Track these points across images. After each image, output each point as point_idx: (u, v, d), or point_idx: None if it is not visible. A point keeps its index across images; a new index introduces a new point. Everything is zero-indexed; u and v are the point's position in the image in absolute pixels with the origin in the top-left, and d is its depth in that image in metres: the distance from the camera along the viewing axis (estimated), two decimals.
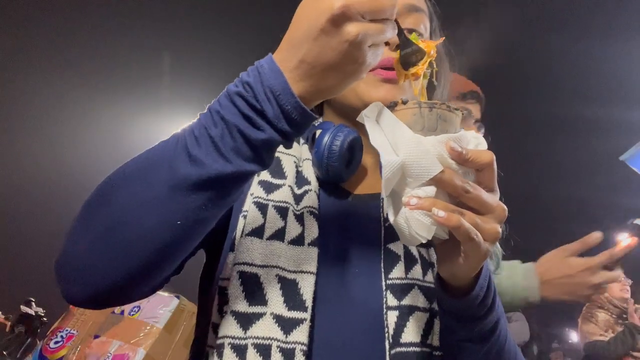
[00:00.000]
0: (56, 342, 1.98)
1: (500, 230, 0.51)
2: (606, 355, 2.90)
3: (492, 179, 0.52)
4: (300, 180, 0.69)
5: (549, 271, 1.24)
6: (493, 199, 0.51)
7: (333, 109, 0.77)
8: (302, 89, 0.49)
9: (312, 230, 0.64)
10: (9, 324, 7.49)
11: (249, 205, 0.66)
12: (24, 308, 7.55)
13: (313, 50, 0.48)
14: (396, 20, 0.52)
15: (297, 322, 0.59)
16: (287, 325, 0.58)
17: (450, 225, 0.48)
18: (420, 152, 0.49)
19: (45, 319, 7.49)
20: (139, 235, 0.50)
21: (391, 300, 0.63)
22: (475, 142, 0.53)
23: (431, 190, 0.50)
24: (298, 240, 0.63)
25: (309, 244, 0.63)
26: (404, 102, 0.52)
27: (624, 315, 3.04)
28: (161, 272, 0.55)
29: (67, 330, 2.03)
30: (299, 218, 0.65)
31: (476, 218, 0.49)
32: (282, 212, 0.65)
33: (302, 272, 0.61)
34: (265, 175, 0.68)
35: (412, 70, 0.59)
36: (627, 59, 3.82)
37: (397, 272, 0.64)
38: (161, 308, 1.94)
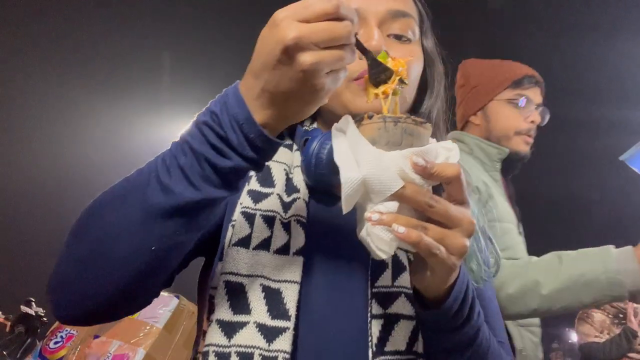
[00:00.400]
0: (56, 342, 1.98)
1: (467, 243, 0.51)
2: (601, 358, 2.90)
3: (461, 191, 0.52)
4: (290, 187, 0.69)
5: None
6: (460, 212, 0.51)
7: (322, 118, 0.77)
8: (265, 117, 0.51)
9: (298, 239, 0.64)
10: (9, 324, 7.49)
11: (237, 215, 0.66)
12: (24, 308, 7.55)
13: (272, 80, 0.49)
14: (358, 41, 0.53)
15: (280, 331, 0.59)
16: (269, 334, 0.59)
17: (410, 241, 0.48)
18: (381, 168, 0.49)
19: (45, 319, 7.50)
20: (116, 261, 0.53)
21: (376, 309, 0.63)
22: (445, 154, 0.54)
23: (393, 205, 0.50)
24: (283, 250, 0.64)
25: (294, 253, 0.63)
26: (370, 117, 0.53)
27: (620, 315, 3.04)
28: (143, 292, 0.58)
29: (67, 330, 2.03)
30: (286, 227, 0.66)
31: (441, 232, 0.50)
32: (269, 221, 0.65)
33: (286, 281, 0.62)
34: (254, 184, 0.69)
35: (382, 88, 0.59)
36: (628, 59, 3.83)
37: (384, 280, 0.65)
38: (161, 308, 1.94)
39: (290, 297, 0.61)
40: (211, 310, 0.62)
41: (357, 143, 0.51)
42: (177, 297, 2.00)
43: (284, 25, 0.47)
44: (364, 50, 0.56)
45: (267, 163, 0.65)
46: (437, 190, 0.53)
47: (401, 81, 0.59)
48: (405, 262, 0.66)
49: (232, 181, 0.53)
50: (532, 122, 1.60)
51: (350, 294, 0.65)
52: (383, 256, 0.51)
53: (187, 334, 2.20)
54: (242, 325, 0.59)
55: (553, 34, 3.76)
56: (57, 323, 2.08)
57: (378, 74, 0.58)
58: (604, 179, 4.77)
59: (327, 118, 0.75)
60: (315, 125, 0.77)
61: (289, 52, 0.47)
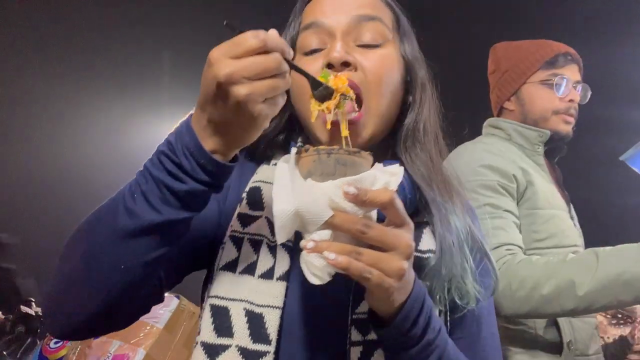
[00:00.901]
0: (56, 342, 1.98)
1: (404, 265, 0.53)
2: None
3: (397, 216, 0.54)
4: None
5: None
6: (397, 236, 0.53)
7: (307, 137, 0.78)
8: (213, 144, 0.56)
9: (283, 263, 0.66)
10: (9, 324, 7.48)
11: (225, 238, 0.69)
12: (24, 308, 7.55)
13: (214, 112, 0.54)
14: (295, 66, 0.57)
15: (260, 355, 0.62)
16: (250, 357, 0.61)
17: (340, 267, 0.51)
18: (311, 199, 0.52)
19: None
20: (94, 280, 0.57)
21: (355, 336, 0.64)
22: (385, 179, 0.56)
23: (326, 233, 0.53)
24: (268, 274, 0.66)
25: (277, 278, 0.65)
26: (306, 150, 0.56)
27: (619, 316, 3.02)
28: (127, 308, 0.62)
29: None
30: (272, 250, 0.68)
31: (376, 257, 0.52)
32: (256, 245, 0.67)
33: (268, 306, 0.64)
34: (244, 208, 0.71)
35: (325, 105, 0.63)
36: (628, 58, 3.83)
37: (364, 306, 0.65)
38: (161, 308, 1.94)
39: (272, 321, 0.63)
40: (198, 332, 0.65)
41: (293, 175, 0.55)
42: (178, 297, 2.00)
43: (218, 63, 0.51)
44: (303, 73, 0.61)
45: (257, 184, 0.72)
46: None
47: (344, 96, 0.63)
48: None
49: (190, 203, 0.57)
50: (571, 100, 1.54)
51: (330, 320, 0.66)
52: (317, 282, 0.54)
53: (187, 334, 2.20)
54: (225, 348, 0.61)
55: (553, 34, 3.77)
56: None
57: (320, 92, 0.62)
58: (604, 179, 4.76)
59: (312, 138, 0.76)
60: (299, 142, 0.78)
61: (223, 87, 0.51)
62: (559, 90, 1.53)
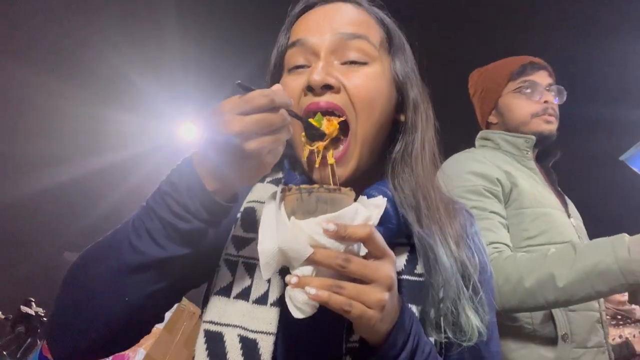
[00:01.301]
0: None
1: (384, 297, 0.54)
2: None
3: (377, 249, 0.56)
4: None
5: None
6: (376, 268, 0.54)
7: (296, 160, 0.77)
8: (215, 186, 0.58)
9: (276, 289, 0.66)
10: (9, 324, 7.48)
11: (220, 262, 0.70)
12: (24, 308, 7.55)
13: (221, 160, 0.57)
14: (293, 112, 0.61)
15: None
16: None
17: (320, 301, 0.52)
18: (292, 237, 0.54)
19: (45, 319, 7.49)
20: (97, 311, 0.59)
21: None
22: (366, 214, 0.58)
23: (308, 269, 0.55)
24: (262, 300, 0.66)
25: (271, 304, 0.65)
26: (290, 190, 0.58)
27: (618, 317, 3.03)
28: (130, 333, 0.64)
29: None
30: None
31: (357, 289, 0.53)
32: (250, 269, 0.68)
33: (262, 332, 0.64)
34: (238, 230, 0.72)
35: (315, 145, 0.67)
36: (628, 58, 3.83)
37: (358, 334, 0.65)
38: None
39: (265, 348, 0.63)
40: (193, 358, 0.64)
41: (278, 214, 0.57)
42: None
43: (229, 118, 0.54)
44: (299, 118, 0.64)
45: (251, 204, 0.73)
46: None
47: (336, 140, 0.68)
48: None
49: (193, 241, 0.60)
50: (546, 102, 1.64)
51: (324, 348, 0.65)
52: (301, 315, 0.55)
53: (187, 334, 2.20)
54: None
55: (553, 33, 3.76)
56: None
57: (312, 134, 0.66)
58: (604, 179, 4.76)
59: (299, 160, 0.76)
60: (296, 165, 0.77)
61: (235, 141, 0.54)
62: (531, 95, 1.65)
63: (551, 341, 1.38)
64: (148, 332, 0.67)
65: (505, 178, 1.49)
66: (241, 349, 0.63)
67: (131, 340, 0.66)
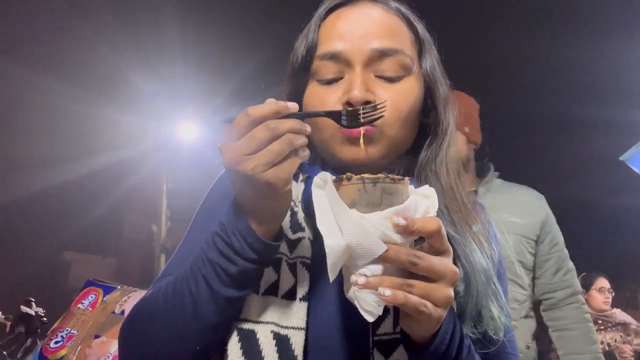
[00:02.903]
0: (56, 342, 1.97)
1: (451, 294, 0.53)
2: None
3: (442, 243, 0.53)
4: (295, 226, 0.69)
5: None
6: (443, 264, 0.52)
7: (315, 154, 0.76)
8: (255, 222, 0.58)
9: (304, 283, 0.66)
10: (9, 324, 7.48)
11: None
12: (24, 308, 7.54)
13: (241, 193, 0.58)
14: (302, 114, 0.59)
15: None
16: None
17: (396, 303, 0.50)
18: (362, 234, 0.50)
19: (45, 319, 7.49)
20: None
21: (378, 358, 0.63)
22: (425, 204, 0.55)
23: (378, 268, 0.51)
24: (290, 294, 0.65)
25: (300, 299, 0.65)
26: (349, 179, 0.54)
27: (599, 322, 3.03)
28: None
29: (67, 330, 2.02)
30: (292, 268, 0.67)
31: (426, 287, 0.51)
32: (276, 264, 0.67)
33: (293, 327, 0.63)
34: None
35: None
36: (628, 58, 3.82)
37: (386, 327, 0.65)
38: None
39: (298, 343, 0.62)
40: (224, 358, 0.64)
41: (337, 206, 0.53)
42: None
43: (239, 161, 0.54)
44: (318, 115, 0.64)
45: None
46: None
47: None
48: None
49: (242, 282, 0.60)
50: None
51: (352, 341, 0.65)
52: (370, 318, 0.52)
53: None
54: None
55: (552, 33, 3.76)
56: (57, 323, 2.08)
57: (346, 120, 0.63)
58: (604, 179, 4.76)
59: (324, 156, 0.75)
60: (316, 158, 0.76)
61: (231, 169, 0.55)
62: None
63: None
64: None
65: None
66: (275, 345, 0.62)
67: None
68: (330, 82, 0.71)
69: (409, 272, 0.52)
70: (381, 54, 0.69)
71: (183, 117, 6.47)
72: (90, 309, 1.99)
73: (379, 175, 0.53)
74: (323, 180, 0.56)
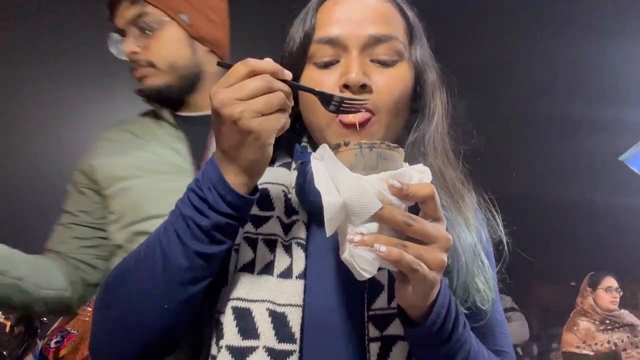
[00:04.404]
0: (56, 342, 1.98)
1: (445, 259, 0.54)
2: None
3: (435, 209, 0.54)
4: (289, 210, 0.71)
5: None
6: (437, 229, 0.54)
7: (310, 138, 0.79)
8: (233, 176, 0.59)
9: (300, 262, 0.66)
10: (9, 324, 7.49)
11: (240, 240, 0.69)
12: None
13: (222, 139, 0.58)
14: (292, 83, 0.59)
15: (287, 354, 0.62)
16: (278, 357, 0.61)
17: (392, 259, 0.50)
18: (360, 191, 0.52)
19: (45, 319, 7.50)
20: (140, 325, 0.61)
21: (373, 332, 0.64)
22: (419, 176, 0.56)
23: (373, 226, 0.53)
24: (286, 274, 0.66)
25: (296, 277, 0.65)
26: (346, 144, 0.56)
27: (607, 322, 3.03)
28: (167, 344, 0.66)
29: (67, 329, 2.03)
30: (288, 249, 0.68)
31: (420, 249, 0.52)
32: (271, 245, 0.68)
33: (290, 305, 0.64)
34: (254, 209, 0.71)
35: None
36: (628, 58, 3.83)
37: (380, 302, 0.66)
38: None
39: (295, 320, 0.63)
40: (219, 336, 0.64)
41: (335, 169, 0.54)
42: None
43: (213, 95, 0.55)
44: (309, 91, 0.65)
45: (265, 185, 0.73)
46: (412, 209, 0.56)
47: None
48: None
49: (216, 237, 0.60)
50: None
51: (347, 317, 0.65)
52: (367, 276, 0.53)
53: None
54: (252, 350, 0.61)
55: (552, 33, 3.76)
56: (57, 323, 2.08)
57: (334, 106, 0.64)
58: (604, 180, 4.76)
59: (317, 140, 0.76)
60: (308, 146, 0.78)
61: (217, 113, 0.56)
62: None
63: None
64: (189, 332, 0.68)
65: None
66: (271, 322, 0.63)
67: (167, 351, 0.67)
68: (326, 65, 0.72)
69: (404, 236, 0.53)
70: (377, 40, 0.71)
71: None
72: (89, 308, 1.99)
73: (375, 141, 0.55)
74: (322, 149, 0.58)
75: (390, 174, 0.53)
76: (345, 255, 0.54)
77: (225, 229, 0.60)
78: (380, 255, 0.50)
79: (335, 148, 0.57)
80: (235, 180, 0.59)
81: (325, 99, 0.64)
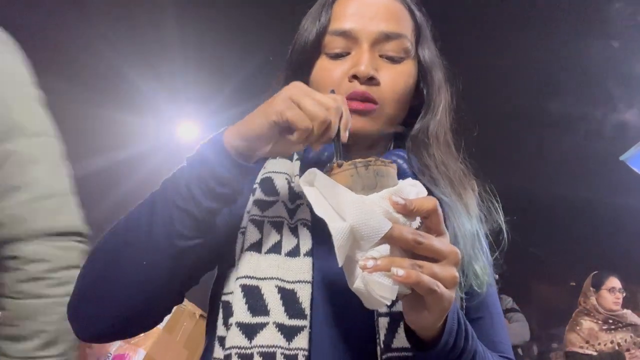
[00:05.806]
0: None
1: (457, 274, 0.52)
2: None
3: (439, 223, 0.53)
4: (293, 195, 0.72)
5: None
6: (444, 244, 0.52)
7: None
8: (237, 142, 0.60)
9: (306, 241, 0.67)
10: None
11: (246, 222, 0.69)
12: None
13: (265, 107, 0.60)
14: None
15: (298, 330, 0.62)
16: (289, 332, 0.61)
17: (411, 281, 0.48)
18: (366, 212, 0.49)
19: None
20: (120, 279, 0.60)
21: (382, 308, 0.64)
22: (415, 190, 0.54)
23: (385, 248, 0.50)
24: (294, 252, 0.66)
25: (304, 255, 0.66)
26: (339, 165, 0.53)
27: (610, 321, 3.02)
28: (150, 313, 0.64)
29: None
30: (294, 230, 0.69)
31: (433, 267, 0.50)
32: (278, 226, 0.68)
33: (299, 281, 0.64)
34: (259, 194, 0.72)
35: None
36: (628, 58, 3.83)
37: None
38: None
39: (305, 296, 0.63)
40: (228, 314, 0.64)
41: (334, 193, 0.52)
42: None
43: (297, 95, 0.57)
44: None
45: (268, 175, 0.75)
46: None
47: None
48: None
49: (213, 200, 0.60)
50: None
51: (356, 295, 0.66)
52: (386, 303, 0.49)
53: (187, 334, 2.20)
54: (262, 326, 0.61)
55: (552, 33, 3.76)
56: None
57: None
58: (604, 180, 4.76)
59: None
60: None
61: (291, 98, 0.57)
62: None
63: None
64: (169, 311, 0.67)
65: None
66: (281, 298, 0.63)
67: (153, 320, 0.66)
68: (338, 56, 0.76)
69: (412, 254, 0.51)
70: (387, 37, 0.75)
71: (183, 117, 6.48)
72: None
73: (369, 158, 0.53)
74: (311, 175, 0.55)
75: (390, 191, 0.51)
76: (357, 285, 0.51)
77: (220, 194, 0.61)
78: (399, 279, 0.48)
79: (328, 171, 0.54)
80: (240, 148, 0.61)
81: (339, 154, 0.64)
